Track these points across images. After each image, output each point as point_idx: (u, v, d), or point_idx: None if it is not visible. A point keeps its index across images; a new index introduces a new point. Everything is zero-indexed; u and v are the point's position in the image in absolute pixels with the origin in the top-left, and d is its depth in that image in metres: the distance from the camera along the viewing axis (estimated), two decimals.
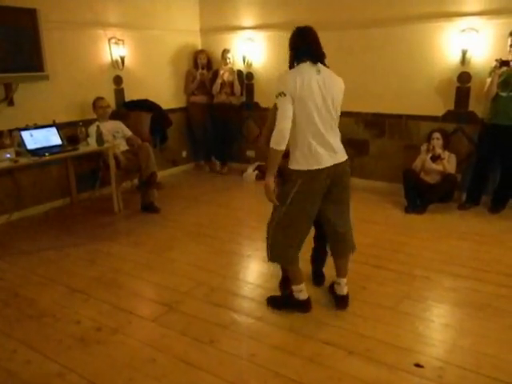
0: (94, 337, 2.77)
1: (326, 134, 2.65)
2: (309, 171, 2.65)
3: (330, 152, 2.68)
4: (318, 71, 2.62)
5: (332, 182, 2.73)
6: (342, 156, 2.76)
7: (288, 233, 2.80)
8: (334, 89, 2.67)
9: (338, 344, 2.65)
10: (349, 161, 2.82)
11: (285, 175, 2.80)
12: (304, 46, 2.66)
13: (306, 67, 2.62)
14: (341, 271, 3.04)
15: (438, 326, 2.89)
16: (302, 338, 2.73)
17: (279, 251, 2.86)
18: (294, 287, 2.97)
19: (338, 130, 2.77)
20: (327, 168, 2.67)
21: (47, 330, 2.86)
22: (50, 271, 3.65)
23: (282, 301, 3.09)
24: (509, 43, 4.45)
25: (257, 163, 6.41)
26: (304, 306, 3.00)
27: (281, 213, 2.77)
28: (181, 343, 2.70)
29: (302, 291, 2.97)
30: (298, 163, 2.68)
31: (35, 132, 4.49)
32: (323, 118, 2.63)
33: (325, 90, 2.60)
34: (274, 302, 3.09)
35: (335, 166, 2.70)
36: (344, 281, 3.05)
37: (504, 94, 4.51)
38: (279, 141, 2.55)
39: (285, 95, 2.54)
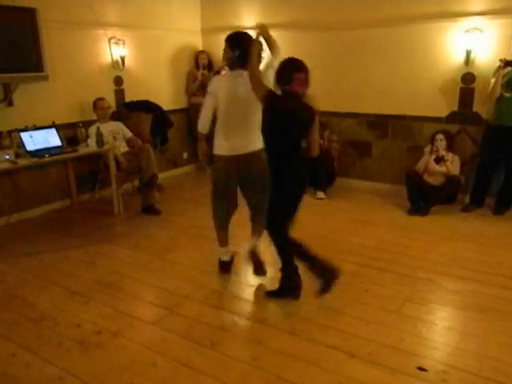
0: (94, 340, 2.75)
1: (234, 129, 3.20)
2: (218, 156, 3.29)
3: (233, 144, 3.21)
4: (239, 77, 3.11)
5: (239, 171, 3.25)
6: (246, 148, 3.21)
7: (216, 202, 3.42)
8: (247, 91, 3.02)
9: (340, 347, 2.63)
10: (259, 153, 3.16)
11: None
12: (235, 57, 3.12)
13: (232, 74, 3.20)
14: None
15: (441, 329, 2.86)
16: (304, 341, 2.71)
17: (214, 214, 3.48)
18: (219, 249, 3.57)
19: (251, 127, 3.18)
20: (232, 156, 3.22)
21: (47, 333, 2.83)
22: (49, 274, 3.63)
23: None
24: None
25: None
26: (222, 267, 3.55)
27: (211, 185, 3.41)
28: (182, 347, 2.67)
29: (223, 253, 3.56)
30: (215, 149, 3.32)
31: (35, 133, 4.47)
32: (232, 116, 3.18)
33: (238, 93, 3.11)
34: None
35: (239, 156, 3.21)
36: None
37: (508, 95, 4.47)
38: (201, 126, 3.32)
39: (209, 94, 3.24)
